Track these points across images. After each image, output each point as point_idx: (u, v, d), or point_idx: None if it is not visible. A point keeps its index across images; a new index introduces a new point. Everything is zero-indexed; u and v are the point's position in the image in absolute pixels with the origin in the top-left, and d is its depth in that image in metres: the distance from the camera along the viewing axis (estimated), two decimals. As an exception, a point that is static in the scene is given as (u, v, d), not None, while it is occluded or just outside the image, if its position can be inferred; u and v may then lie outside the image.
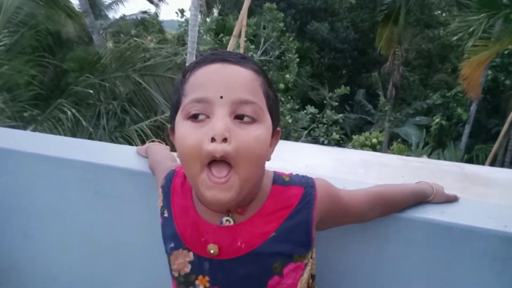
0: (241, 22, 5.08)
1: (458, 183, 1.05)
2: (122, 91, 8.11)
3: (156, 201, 0.86)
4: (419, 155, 11.40)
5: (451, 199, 1.00)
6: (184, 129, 0.66)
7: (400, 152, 12.42)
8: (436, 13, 18.48)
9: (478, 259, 0.93)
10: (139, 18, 15.69)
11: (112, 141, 7.23)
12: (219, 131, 0.62)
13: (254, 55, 9.62)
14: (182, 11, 10.59)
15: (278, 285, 0.72)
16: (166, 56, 9.00)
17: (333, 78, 17.33)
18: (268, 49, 9.95)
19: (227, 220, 0.72)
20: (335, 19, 17.15)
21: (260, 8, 11.63)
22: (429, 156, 11.45)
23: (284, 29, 10.90)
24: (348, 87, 10.10)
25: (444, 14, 18.62)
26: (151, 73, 8.44)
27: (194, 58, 5.30)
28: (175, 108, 0.70)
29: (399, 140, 13.96)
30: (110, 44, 11.04)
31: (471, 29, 8.39)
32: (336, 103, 10.44)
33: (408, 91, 17.15)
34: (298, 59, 10.51)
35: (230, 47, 5.20)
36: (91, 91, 6.97)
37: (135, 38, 10.30)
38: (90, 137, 6.97)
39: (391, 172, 1.72)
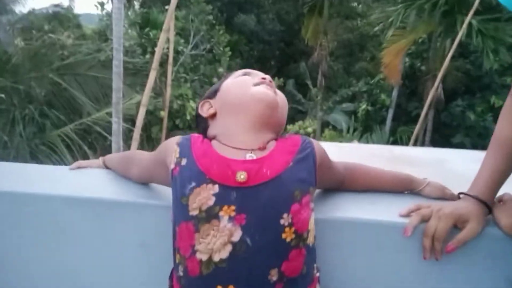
0: (171, 16, 4.81)
1: (390, 165, 1.07)
2: (39, 93, 7.38)
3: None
4: (350, 140, 11.98)
5: (448, 197, 0.97)
6: (236, 78, 0.98)
7: (332, 138, 12.96)
8: (353, 4, 19.54)
9: (470, 259, 0.91)
10: (51, 12, 14.30)
11: (32, 149, 6.55)
12: (268, 76, 0.96)
13: (185, 50, 9.29)
14: (102, 4, 9.89)
15: (299, 213, 0.79)
16: (87, 53, 8.34)
17: (263, 69, 16.75)
18: (199, 43, 9.66)
19: (250, 156, 0.82)
20: (261, 11, 17.31)
21: (187, 1, 11.26)
22: (359, 140, 12.08)
23: (214, 22, 10.67)
24: (281, 79, 10.22)
25: (360, 6, 19.74)
26: (71, 72, 7.78)
27: (121, 55, 4.92)
28: (216, 88, 0.99)
29: (330, 127, 14.54)
30: (20, 42, 9.93)
31: (390, 19, 8.92)
32: (269, 95, 10.48)
33: (334, 79, 17.94)
34: (230, 52, 10.39)
35: (160, 42, 4.91)
36: (2, 95, 6.24)
37: (49, 35, 9.39)
38: (5, 146, 6.25)
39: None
